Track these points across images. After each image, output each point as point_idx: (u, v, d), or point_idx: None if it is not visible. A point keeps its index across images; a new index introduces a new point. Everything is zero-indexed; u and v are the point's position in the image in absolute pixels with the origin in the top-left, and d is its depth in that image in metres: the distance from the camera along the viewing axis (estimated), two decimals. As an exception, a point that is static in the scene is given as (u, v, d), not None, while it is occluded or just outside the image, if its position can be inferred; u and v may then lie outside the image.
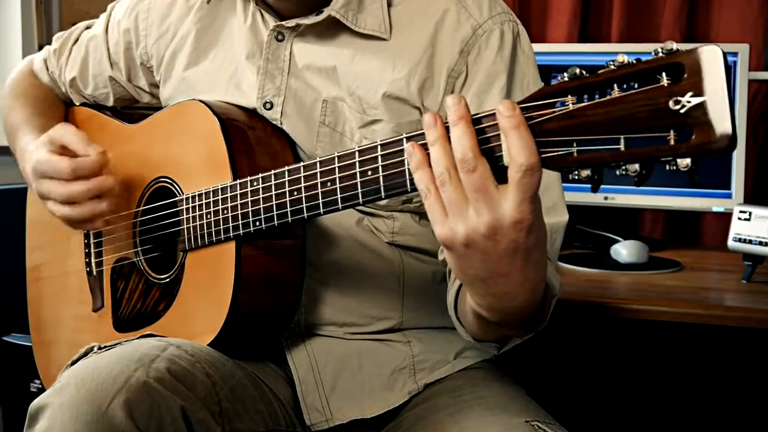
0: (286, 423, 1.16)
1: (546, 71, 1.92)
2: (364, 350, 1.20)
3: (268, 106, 1.20)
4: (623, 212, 2.05)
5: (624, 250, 1.81)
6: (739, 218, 1.63)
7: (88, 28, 1.47)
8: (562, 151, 0.78)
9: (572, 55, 1.97)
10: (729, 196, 1.84)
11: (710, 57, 0.71)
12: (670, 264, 1.80)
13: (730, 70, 1.81)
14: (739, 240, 1.62)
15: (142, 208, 1.28)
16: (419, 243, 1.21)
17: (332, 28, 1.18)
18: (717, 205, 1.85)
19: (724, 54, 0.72)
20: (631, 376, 1.95)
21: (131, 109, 1.47)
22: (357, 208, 1.17)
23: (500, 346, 1.11)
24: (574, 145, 0.77)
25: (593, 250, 1.90)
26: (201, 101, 1.20)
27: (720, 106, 0.70)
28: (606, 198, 1.90)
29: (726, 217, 1.86)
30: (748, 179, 1.89)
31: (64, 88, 1.47)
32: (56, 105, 1.48)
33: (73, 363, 1.09)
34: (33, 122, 1.39)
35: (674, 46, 0.73)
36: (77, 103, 1.47)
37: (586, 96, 0.77)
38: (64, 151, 1.21)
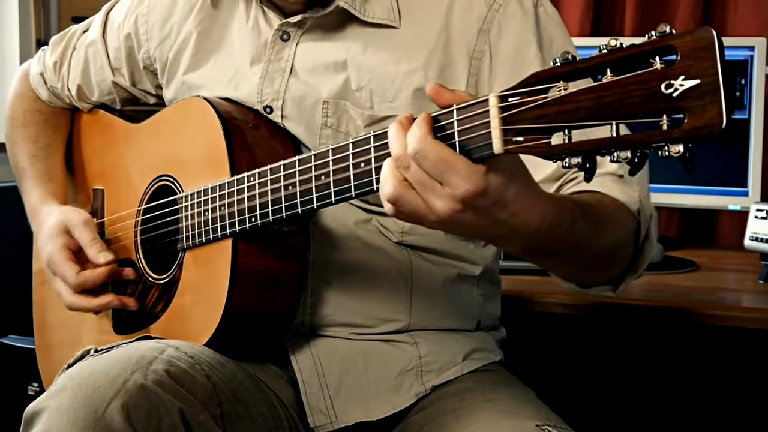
0: (289, 425, 1.15)
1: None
2: (369, 351, 1.18)
3: (267, 110, 1.18)
4: (637, 210, 2.01)
5: (638, 249, 1.78)
6: (756, 217, 1.63)
7: (84, 31, 1.44)
8: (551, 138, 0.76)
9: (585, 48, 1.93)
10: (746, 194, 1.82)
11: (704, 39, 0.68)
12: (686, 264, 1.78)
13: (745, 64, 1.80)
14: (756, 239, 1.61)
15: (143, 207, 1.26)
16: (429, 243, 1.18)
17: (339, 21, 1.15)
18: (733, 203, 1.83)
19: (719, 37, 0.68)
20: (645, 378, 1.93)
21: (139, 107, 1.45)
22: (366, 208, 1.16)
23: (614, 286, 1.07)
24: (565, 131, 0.75)
25: (606, 249, 1.87)
26: (204, 98, 1.18)
27: (713, 89, 0.67)
28: (619, 196, 1.87)
29: (742, 216, 1.84)
30: (765, 177, 1.88)
31: (68, 99, 1.45)
32: (58, 125, 1.46)
33: (70, 366, 1.08)
34: (37, 168, 1.40)
35: (667, 28, 0.70)
36: (86, 111, 1.45)
37: (577, 81, 0.74)
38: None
